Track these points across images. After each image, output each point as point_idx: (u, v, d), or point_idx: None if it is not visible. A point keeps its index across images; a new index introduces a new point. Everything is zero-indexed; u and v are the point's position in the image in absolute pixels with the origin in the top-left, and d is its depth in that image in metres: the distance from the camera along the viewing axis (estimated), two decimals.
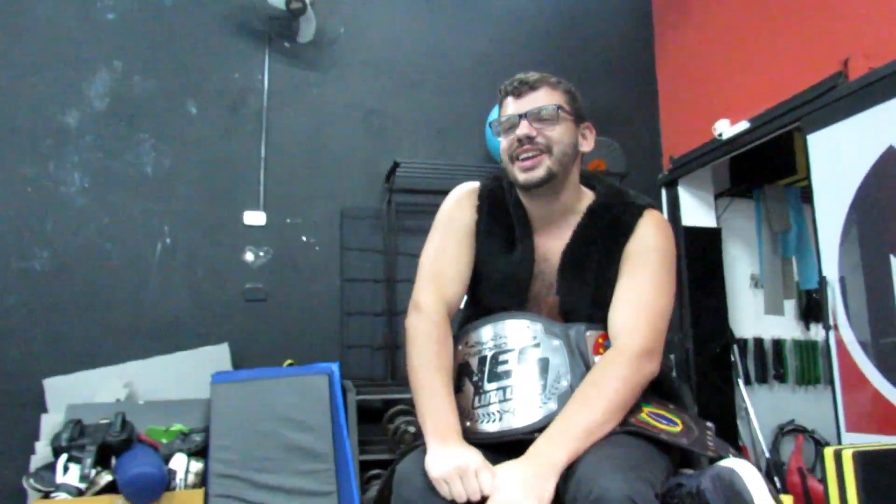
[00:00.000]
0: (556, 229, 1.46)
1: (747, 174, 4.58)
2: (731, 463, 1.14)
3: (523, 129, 1.39)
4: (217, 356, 3.48)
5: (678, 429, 1.24)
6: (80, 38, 3.65)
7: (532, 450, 1.17)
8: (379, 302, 3.86)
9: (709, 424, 1.29)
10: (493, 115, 1.46)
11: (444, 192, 1.58)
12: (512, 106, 1.43)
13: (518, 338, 1.32)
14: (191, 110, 3.77)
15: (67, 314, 3.41)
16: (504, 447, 1.25)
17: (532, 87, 1.42)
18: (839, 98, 3.08)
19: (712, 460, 1.21)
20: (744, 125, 3.68)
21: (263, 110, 3.87)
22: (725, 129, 3.81)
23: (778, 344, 4.74)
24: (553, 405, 1.24)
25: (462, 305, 1.51)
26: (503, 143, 1.44)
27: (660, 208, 1.46)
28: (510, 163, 1.43)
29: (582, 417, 1.18)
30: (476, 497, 1.13)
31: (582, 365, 1.27)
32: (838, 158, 3.10)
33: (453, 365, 1.36)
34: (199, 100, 3.79)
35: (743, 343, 4.61)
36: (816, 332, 4.82)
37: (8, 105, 3.49)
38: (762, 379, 4.66)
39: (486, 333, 1.35)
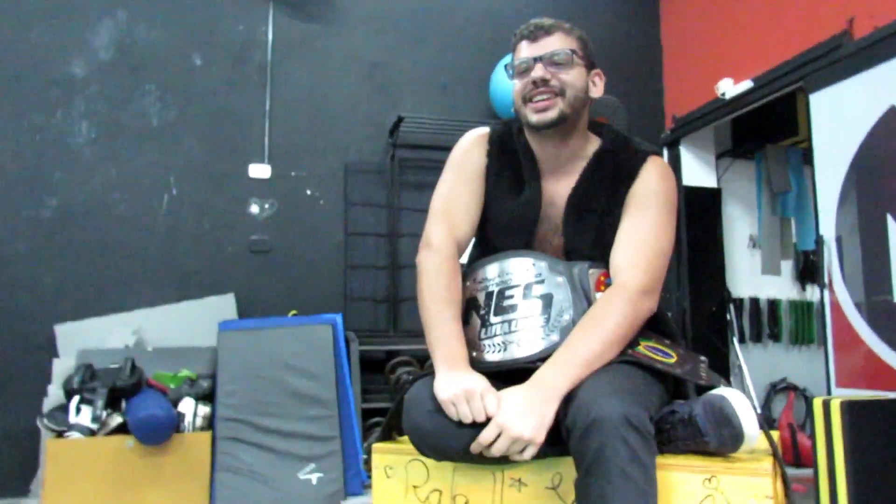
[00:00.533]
0: (563, 174, 1.49)
1: (749, 135, 4.60)
2: (722, 391, 1.21)
3: (538, 71, 1.42)
4: (223, 305, 3.55)
5: (673, 360, 1.31)
6: None
7: (535, 376, 1.23)
8: (382, 256, 3.91)
9: (702, 358, 1.35)
10: (508, 60, 1.49)
11: (448, 148, 1.63)
12: (526, 49, 1.46)
13: (523, 274, 1.38)
14: (195, 62, 3.78)
15: (76, 262, 3.47)
16: (508, 376, 1.31)
17: (547, 31, 1.45)
18: (843, 57, 3.09)
19: (704, 390, 1.28)
20: (747, 84, 3.70)
21: (268, 63, 3.87)
22: (728, 88, 3.82)
23: (773, 304, 4.82)
24: (555, 337, 1.31)
25: (470, 245, 1.56)
26: (517, 85, 1.47)
27: (662, 155, 1.50)
28: (523, 105, 1.46)
29: (583, 348, 1.24)
30: (481, 418, 1.18)
31: (584, 301, 1.33)
32: (840, 118, 3.12)
33: (462, 299, 1.42)
34: (203, 51, 3.80)
35: (739, 302, 4.69)
36: (812, 293, 4.89)
37: (14, 54, 3.50)
38: (757, 338, 4.75)
39: (493, 270, 1.41)
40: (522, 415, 1.16)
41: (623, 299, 1.31)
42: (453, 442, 1.22)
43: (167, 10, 3.76)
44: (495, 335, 1.34)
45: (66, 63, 3.57)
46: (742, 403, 1.17)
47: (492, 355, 1.34)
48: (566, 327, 1.31)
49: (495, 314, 1.36)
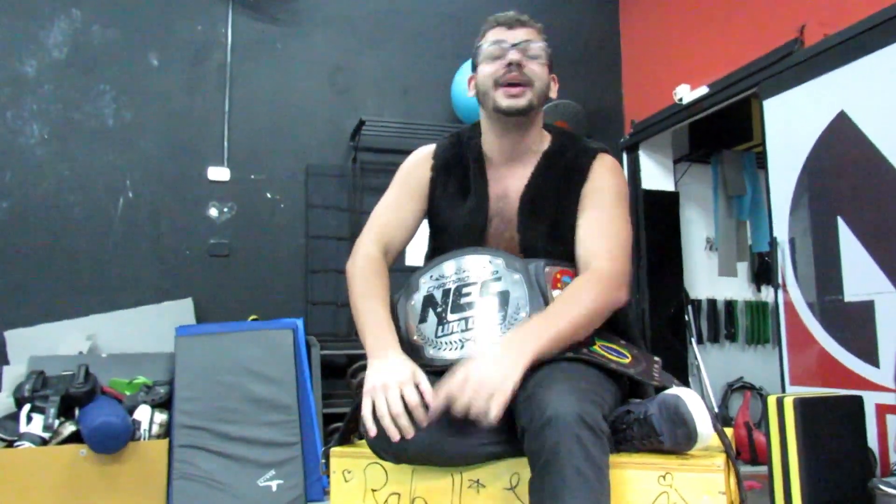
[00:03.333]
0: (516, 168, 1.52)
1: (706, 139, 4.69)
2: (677, 391, 1.23)
3: (515, 55, 1.44)
4: (181, 310, 3.49)
5: (627, 360, 1.33)
6: None
7: (505, 339, 1.25)
8: (343, 259, 3.77)
9: (656, 358, 1.38)
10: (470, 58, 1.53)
11: (409, 152, 1.67)
12: (503, 34, 1.48)
13: (480, 272, 1.38)
14: (152, 62, 3.71)
15: (28, 266, 3.38)
16: None
17: (523, 24, 1.50)
18: (795, 64, 3.17)
19: (658, 390, 1.30)
20: (703, 90, 3.77)
21: (227, 64, 3.82)
22: (686, 93, 3.89)
23: (730, 305, 4.91)
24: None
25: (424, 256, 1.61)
26: (487, 68, 1.48)
27: (611, 153, 1.56)
28: (493, 88, 1.46)
29: (557, 322, 1.24)
30: (414, 399, 1.19)
31: (540, 297, 1.33)
32: (792, 123, 3.20)
33: (419, 297, 1.43)
34: (160, 52, 3.73)
35: (697, 304, 4.77)
36: (767, 294, 5.00)
37: None
38: (714, 338, 4.84)
39: (450, 267, 1.42)
40: (491, 363, 1.17)
41: (598, 284, 1.33)
42: (408, 444, 1.21)
43: (123, 8, 3.69)
44: (452, 332, 1.34)
45: (18, 62, 3.48)
46: (696, 403, 1.18)
47: (449, 353, 1.33)
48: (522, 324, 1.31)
49: (452, 311, 1.36)
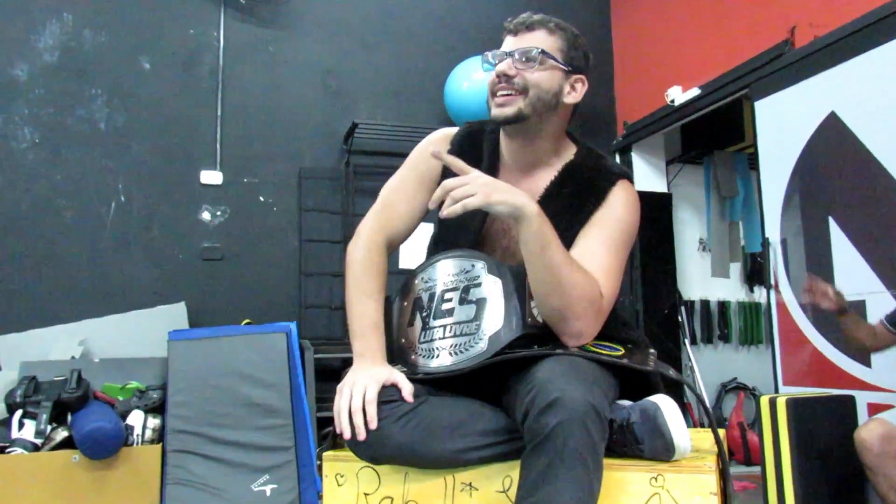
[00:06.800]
0: (526, 177, 1.46)
1: (698, 141, 4.71)
2: (657, 399, 1.22)
3: (502, 66, 1.39)
4: (174, 315, 3.47)
5: (619, 353, 1.30)
6: None
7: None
8: (337, 263, 3.88)
9: (651, 350, 1.36)
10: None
11: (403, 155, 1.62)
12: (506, 43, 1.42)
13: (462, 276, 1.35)
14: (144, 66, 3.71)
15: (20, 271, 3.37)
16: (441, 383, 1.33)
17: (528, 27, 1.41)
18: (785, 66, 3.19)
19: (668, 386, 1.30)
20: (695, 92, 3.78)
21: (219, 68, 3.82)
22: (677, 95, 3.90)
23: (723, 305, 4.93)
24: (483, 346, 1.28)
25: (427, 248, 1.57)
26: (488, 78, 1.43)
27: (632, 179, 1.49)
28: (490, 98, 1.43)
29: (556, 248, 1.23)
30: (370, 396, 1.23)
31: (516, 302, 1.29)
32: (783, 125, 3.21)
33: (411, 299, 1.42)
34: (152, 56, 3.73)
35: (690, 304, 4.78)
36: (760, 295, 5.02)
37: None
38: (707, 339, 4.85)
39: (437, 270, 1.39)
40: (486, 180, 1.24)
41: (594, 304, 1.27)
42: (382, 446, 1.24)
43: (115, 12, 3.68)
44: (433, 339, 1.34)
45: (9, 65, 3.47)
46: (674, 414, 1.18)
47: (427, 361, 1.34)
48: (494, 335, 1.28)
49: (435, 318, 1.35)
